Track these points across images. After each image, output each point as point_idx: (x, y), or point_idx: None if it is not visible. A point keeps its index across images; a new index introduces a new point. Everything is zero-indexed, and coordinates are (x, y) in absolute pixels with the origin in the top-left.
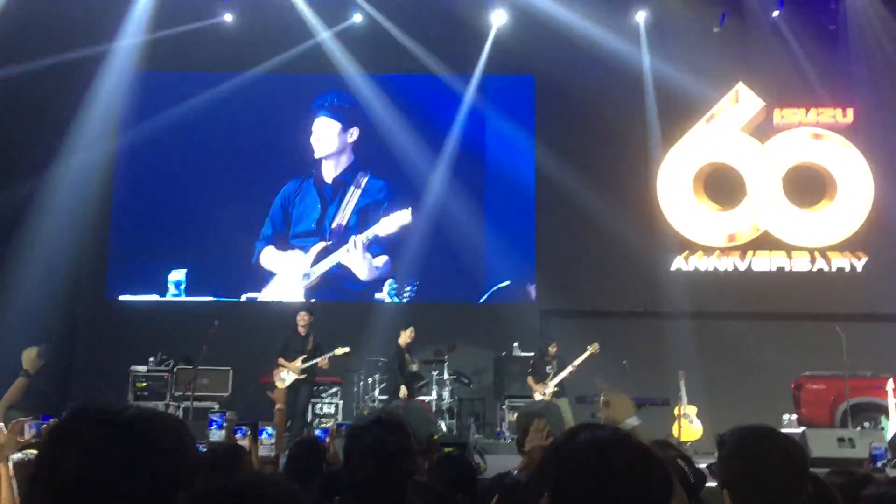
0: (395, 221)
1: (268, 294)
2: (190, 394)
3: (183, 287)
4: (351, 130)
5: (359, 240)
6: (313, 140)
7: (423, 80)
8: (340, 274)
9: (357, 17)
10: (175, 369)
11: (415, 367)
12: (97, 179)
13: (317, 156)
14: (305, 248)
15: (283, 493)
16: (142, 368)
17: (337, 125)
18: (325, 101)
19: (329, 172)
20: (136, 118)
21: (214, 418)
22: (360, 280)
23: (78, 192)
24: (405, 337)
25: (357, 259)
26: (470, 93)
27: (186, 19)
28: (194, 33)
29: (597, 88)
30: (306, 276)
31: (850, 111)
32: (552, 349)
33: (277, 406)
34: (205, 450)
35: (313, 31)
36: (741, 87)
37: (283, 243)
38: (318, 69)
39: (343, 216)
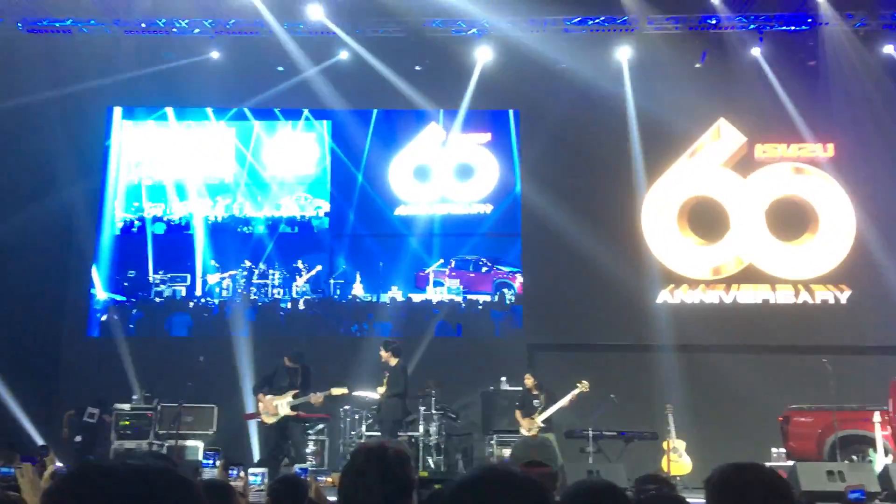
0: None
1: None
2: (174, 432)
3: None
4: None
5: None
6: None
7: (409, 116)
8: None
9: (343, 55)
10: (159, 407)
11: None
12: (81, 213)
13: None
14: None
15: None
16: (125, 406)
17: None
18: None
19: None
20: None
21: (209, 457)
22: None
23: (60, 226)
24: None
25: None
26: (455, 127)
27: (174, 56)
28: (175, 71)
29: (581, 124)
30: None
31: (830, 146)
32: (527, 381)
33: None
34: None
35: (300, 68)
36: (723, 123)
37: None
38: (306, 105)
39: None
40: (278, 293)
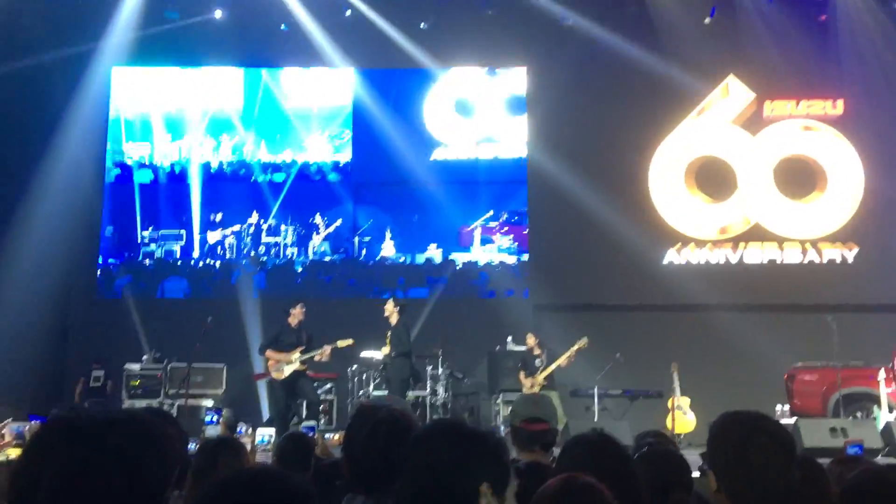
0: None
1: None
2: (184, 391)
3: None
4: None
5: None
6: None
7: (413, 75)
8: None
9: (348, 13)
10: (169, 367)
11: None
12: (88, 176)
13: None
14: None
15: (291, 482)
16: (135, 367)
17: None
18: None
19: None
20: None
21: (210, 414)
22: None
23: (68, 189)
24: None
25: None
26: (461, 86)
27: (177, 17)
28: (184, 29)
29: (588, 82)
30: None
31: (840, 102)
32: (529, 340)
33: None
34: (199, 443)
35: (304, 27)
36: (731, 80)
37: None
38: (311, 65)
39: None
40: (292, 253)
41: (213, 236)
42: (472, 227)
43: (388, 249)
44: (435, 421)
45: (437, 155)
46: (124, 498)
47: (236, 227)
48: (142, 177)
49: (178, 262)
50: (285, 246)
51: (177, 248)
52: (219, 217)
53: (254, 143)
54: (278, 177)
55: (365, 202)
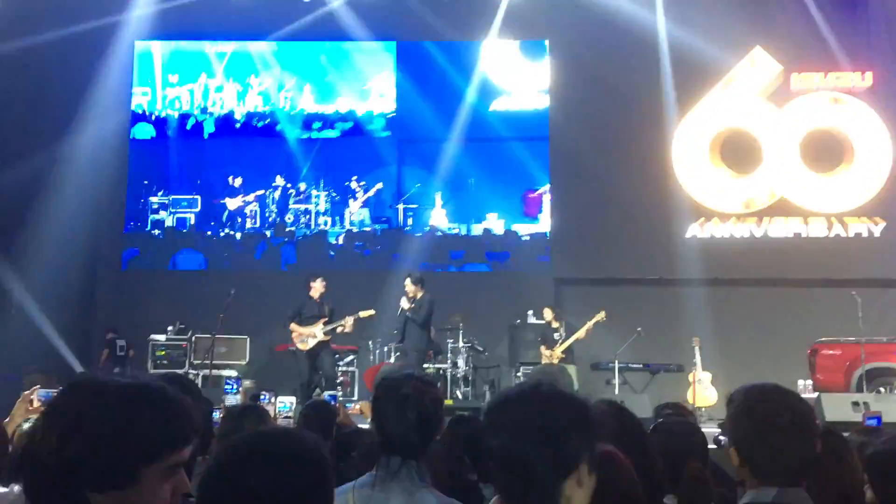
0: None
1: None
2: (209, 362)
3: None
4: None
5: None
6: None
7: (436, 48)
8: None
9: None
10: (193, 338)
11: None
12: (112, 149)
13: None
14: None
15: (308, 441)
16: (160, 337)
17: None
18: None
19: None
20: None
21: (230, 383)
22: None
23: (93, 162)
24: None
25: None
26: (483, 59)
27: None
28: (203, 3)
29: (612, 53)
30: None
31: (868, 75)
32: (546, 314)
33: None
34: (225, 411)
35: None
36: (758, 51)
37: None
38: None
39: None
40: (324, 222)
41: (232, 203)
42: (540, 191)
43: (438, 218)
44: (530, 383)
45: (498, 104)
46: (134, 457)
47: (259, 192)
48: (140, 132)
49: (194, 233)
50: (317, 214)
51: (191, 216)
52: (238, 182)
53: (282, 90)
54: (312, 131)
55: (411, 162)
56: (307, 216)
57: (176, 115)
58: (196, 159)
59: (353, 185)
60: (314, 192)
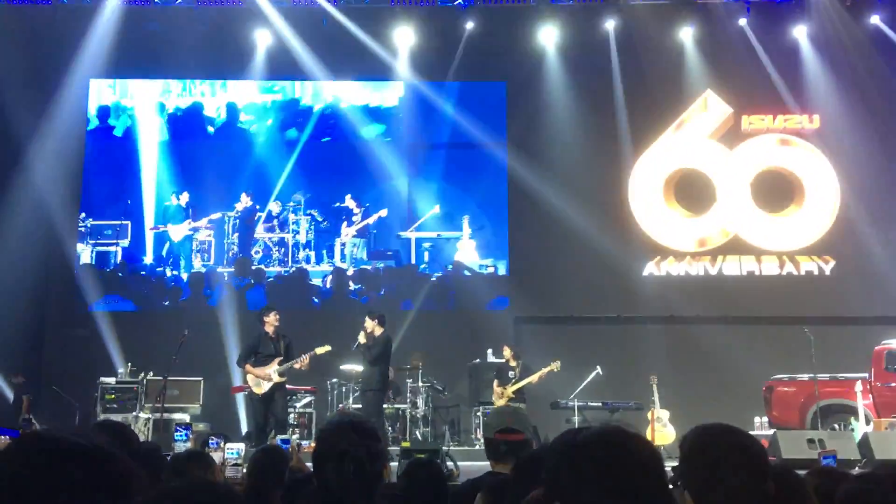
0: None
1: None
2: (160, 405)
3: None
4: None
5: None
6: None
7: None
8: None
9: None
10: (145, 380)
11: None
12: (65, 178)
13: None
14: None
15: (222, 495)
16: (110, 380)
17: None
18: None
19: None
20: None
21: (180, 430)
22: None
23: (45, 196)
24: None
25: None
26: (440, 100)
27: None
28: (164, 42)
29: (568, 96)
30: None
31: (816, 117)
32: (505, 352)
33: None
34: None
35: (283, 40)
36: (710, 94)
37: None
38: (289, 77)
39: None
40: (306, 257)
41: (177, 231)
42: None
43: (466, 251)
44: (599, 429)
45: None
46: None
47: (215, 216)
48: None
49: (119, 274)
50: (296, 246)
51: (117, 249)
52: (185, 199)
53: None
54: (289, 131)
55: (425, 174)
56: (281, 249)
57: (102, 110)
58: (127, 171)
59: (349, 203)
60: (292, 217)
